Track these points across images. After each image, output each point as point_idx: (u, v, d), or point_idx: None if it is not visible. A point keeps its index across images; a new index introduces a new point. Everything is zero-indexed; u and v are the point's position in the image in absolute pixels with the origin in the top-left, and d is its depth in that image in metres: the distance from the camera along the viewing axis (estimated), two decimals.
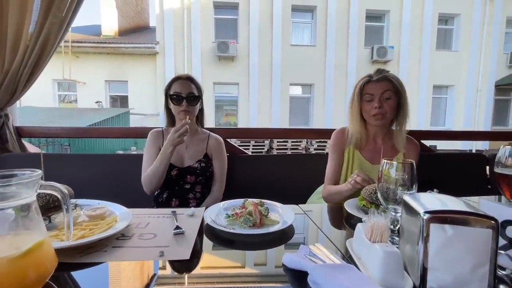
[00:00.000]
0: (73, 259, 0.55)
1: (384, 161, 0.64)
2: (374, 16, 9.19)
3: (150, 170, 1.12)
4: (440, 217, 0.42)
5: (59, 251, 0.51)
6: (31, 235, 0.42)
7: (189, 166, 1.20)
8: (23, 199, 0.41)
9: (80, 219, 0.71)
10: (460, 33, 9.20)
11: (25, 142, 1.66)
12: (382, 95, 1.01)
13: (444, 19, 9.40)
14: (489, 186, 1.65)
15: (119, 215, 0.74)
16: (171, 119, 1.26)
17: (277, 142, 7.07)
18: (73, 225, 0.65)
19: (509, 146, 0.68)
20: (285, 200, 1.33)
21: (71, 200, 0.81)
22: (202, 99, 1.27)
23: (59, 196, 0.45)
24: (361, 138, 1.08)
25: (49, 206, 0.70)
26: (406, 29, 8.93)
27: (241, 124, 8.85)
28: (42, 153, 0.89)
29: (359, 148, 1.07)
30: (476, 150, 8.87)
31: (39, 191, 0.43)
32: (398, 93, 1.02)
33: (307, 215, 0.86)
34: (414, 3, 8.87)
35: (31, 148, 1.69)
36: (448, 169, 1.66)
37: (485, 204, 0.56)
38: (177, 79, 1.21)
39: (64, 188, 0.45)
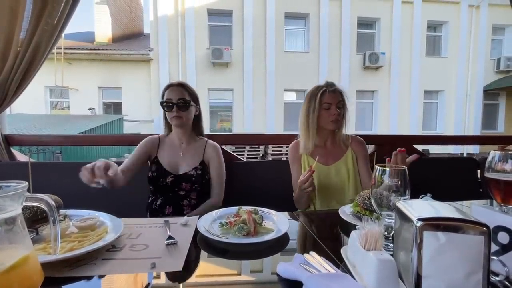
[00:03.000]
0: (61, 273, 0.53)
1: (377, 167, 0.64)
2: (365, 23, 9.40)
3: None
4: (433, 224, 0.42)
5: (46, 265, 0.49)
6: (16, 250, 0.41)
7: (185, 173, 1.19)
8: (7, 212, 0.39)
9: (69, 231, 0.69)
10: (448, 39, 9.48)
11: (14, 150, 1.62)
12: (338, 104, 1.17)
13: (433, 26, 9.67)
14: (481, 190, 1.67)
15: (109, 226, 0.72)
16: (168, 126, 1.27)
17: (272, 147, 7.08)
18: (62, 237, 0.63)
19: (499, 151, 0.69)
20: (280, 207, 1.33)
21: (60, 210, 0.79)
22: (198, 106, 1.27)
23: (45, 209, 0.43)
24: (313, 145, 1.20)
25: (37, 218, 0.68)
26: (397, 36, 9.15)
27: (236, 130, 8.85)
28: (30, 161, 0.87)
29: (316, 159, 1.15)
30: (467, 154, 9.04)
31: (25, 203, 0.42)
32: (345, 103, 1.21)
33: (302, 222, 0.86)
34: (403, 11, 9.12)
35: (21, 156, 1.65)
36: (441, 173, 1.68)
37: (477, 210, 0.57)
38: (169, 86, 1.21)
39: (51, 200, 0.44)
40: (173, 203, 1.16)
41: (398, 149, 1.00)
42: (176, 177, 1.17)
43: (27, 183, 0.41)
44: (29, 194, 0.42)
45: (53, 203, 0.44)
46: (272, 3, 8.60)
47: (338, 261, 0.60)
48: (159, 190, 1.18)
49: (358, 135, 1.36)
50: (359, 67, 9.15)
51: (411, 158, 1.02)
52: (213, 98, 8.92)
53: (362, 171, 1.23)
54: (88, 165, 0.84)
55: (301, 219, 0.88)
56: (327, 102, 1.16)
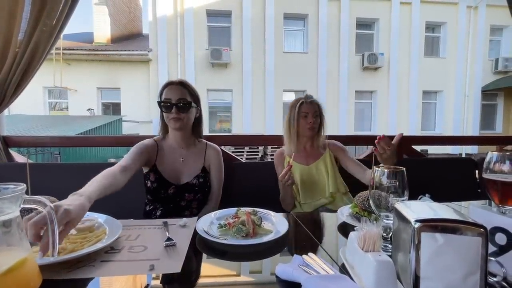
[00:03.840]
0: (60, 275, 0.53)
1: (375, 168, 0.64)
2: (364, 24, 9.42)
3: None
4: (431, 225, 0.42)
5: (44, 268, 0.49)
6: (14, 252, 0.41)
7: (187, 183, 1.12)
8: (5, 214, 0.39)
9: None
10: (447, 40, 9.51)
11: (13, 152, 1.61)
12: (314, 114, 1.31)
13: (431, 27, 9.71)
14: (479, 190, 1.68)
15: (108, 227, 0.72)
16: (165, 127, 1.18)
17: (271, 148, 7.08)
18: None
19: (497, 152, 0.69)
20: (279, 207, 1.33)
21: None
22: (199, 107, 1.18)
23: (44, 211, 0.43)
24: (294, 148, 1.33)
25: None
26: (395, 37, 9.18)
27: (235, 130, 8.85)
28: (29, 163, 0.87)
29: (292, 157, 1.24)
30: (466, 154, 9.08)
31: (22, 206, 0.42)
32: (321, 113, 1.36)
33: (301, 223, 0.86)
34: (402, 12, 9.15)
35: (19, 158, 1.64)
36: (439, 174, 1.69)
37: (475, 211, 0.57)
38: (168, 84, 1.11)
39: (49, 202, 0.44)
40: (174, 215, 1.08)
41: (378, 137, 1.05)
42: (178, 187, 1.11)
43: (25, 185, 0.41)
44: (27, 196, 0.42)
45: (51, 205, 0.44)
46: (271, 4, 8.62)
47: (336, 262, 0.60)
48: (158, 200, 1.12)
49: (357, 136, 1.40)
50: (358, 67, 9.16)
51: (396, 138, 1.08)
52: (212, 99, 8.93)
53: (346, 161, 1.36)
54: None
55: (300, 220, 0.88)
56: (304, 111, 1.31)
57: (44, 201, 0.44)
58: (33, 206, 0.44)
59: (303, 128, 1.32)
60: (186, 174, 1.14)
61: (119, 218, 0.79)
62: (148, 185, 1.12)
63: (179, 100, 1.08)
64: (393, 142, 1.07)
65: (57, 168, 1.49)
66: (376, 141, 1.05)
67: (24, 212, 0.66)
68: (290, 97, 9.22)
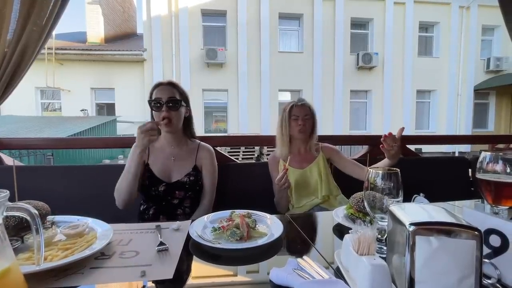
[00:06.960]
0: (47, 284, 0.52)
1: (370, 170, 0.64)
2: (358, 24, 9.48)
3: (119, 180, 1.05)
4: (426, 228, 0.42)
5: (30, 276, 0.48)
6: None
7: (178, 180, 1.13)
8: None
9: (57, 238, 0.67)
10: (440, 40, 9.63)
11: (3, 154, 1.57)
12: (304, 116, 1.33)
13: (425, 27, 9.82)
14: (472, 188, 1.70)
15: (99, 232, 0.70)
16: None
17: (267, 148, 7.08)
18: (49, 245, 0.62)
19: (490, 152, 0.69)
20: (275, 209, 1.32)
21: (48, 217, 0.77)
22: (188, 107, 1.21)
23: (28, 218, 0.42)
24: (287, 150, 1.35)
25: (23, 226, 0.66)
26: (389, 36, 9.26)
27: (231, 130, 8.83)
28: (16, 166, 0.84)
29: (288, 161, 1.24)
30: (459, 152, 9.20)
31: (5, 213, 0.40)
32: (313, 116, 1.37)
33: (296, 225, 0.85)
34: (395, 11, 9.23)
35: (9, 160, 1.60)
36: (433, 173, 1.70)
37: (468, 212, 0.57)
38: (158, 85, 1.13)
39: (33, 208, 0.42)
40: (167, 213, 1.12)
41: (383, 135, 1.10)
42: (168, 185, 1.12)
43: (8, 192, 0.40)
44: (10, 203, 0.41)
45: (36, 212, 0.42)
46: (266, 4, 8.61)
47: (331, 265, 0.60)
48: (151, 199, 1.14)
49: (352, 135, 1.41)
50: (353, 67, 9.22)
51: (398, 133, 1.13)
52: (207, 99, 8.88)
53: (342, 162, 1.38)
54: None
55: (295, 222, 0.88)
56: (295, 114, 1.33)
57: (29, 208, 0.42)
58: (17, 213, 0.42)
59: (293, 131, 1.34)
60: (177, 172, 1.15)
61: (117, 218, 0.78)
62: (141, 183, 1.13)
63: (169, 99, 1.10)
64: (397, 137, 1.11)
65: (47, 171, 1.46)
66: (382, 138, 1.09)
67: (11, 217, 0.64)
68: (286, 97, 9.24)
